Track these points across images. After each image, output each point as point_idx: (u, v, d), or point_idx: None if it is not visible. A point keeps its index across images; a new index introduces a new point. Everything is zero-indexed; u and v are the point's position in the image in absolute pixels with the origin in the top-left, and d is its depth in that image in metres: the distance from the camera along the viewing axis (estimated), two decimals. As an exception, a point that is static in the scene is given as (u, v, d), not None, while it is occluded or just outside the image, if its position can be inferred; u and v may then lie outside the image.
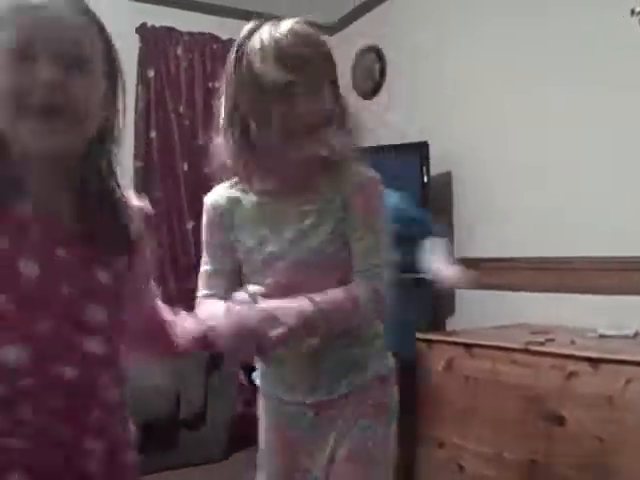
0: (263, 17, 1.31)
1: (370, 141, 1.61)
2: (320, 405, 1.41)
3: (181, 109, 4.24)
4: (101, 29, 1.01)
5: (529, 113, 3.12)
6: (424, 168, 3.50)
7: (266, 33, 1.28)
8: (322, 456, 1.41)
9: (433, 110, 3.73)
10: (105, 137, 1.04)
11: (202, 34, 4.30)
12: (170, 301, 4.32)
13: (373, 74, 4.26)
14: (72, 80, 0.94)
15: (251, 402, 3.59)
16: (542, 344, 2.38)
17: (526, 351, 2.37)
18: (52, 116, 0.93)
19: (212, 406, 3.32)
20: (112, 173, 1.06)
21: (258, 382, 1.53)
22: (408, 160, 3.54)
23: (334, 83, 1.36)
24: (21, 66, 0.92)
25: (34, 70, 0.92)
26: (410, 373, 2.52)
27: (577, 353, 2.21)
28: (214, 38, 4.32)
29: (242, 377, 3.51)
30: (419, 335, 2.79)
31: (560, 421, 2.22)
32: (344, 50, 4.50)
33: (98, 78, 1.00)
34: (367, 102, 4.21)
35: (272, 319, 1.21)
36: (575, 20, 2.88)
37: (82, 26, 0.98)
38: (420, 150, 3.51)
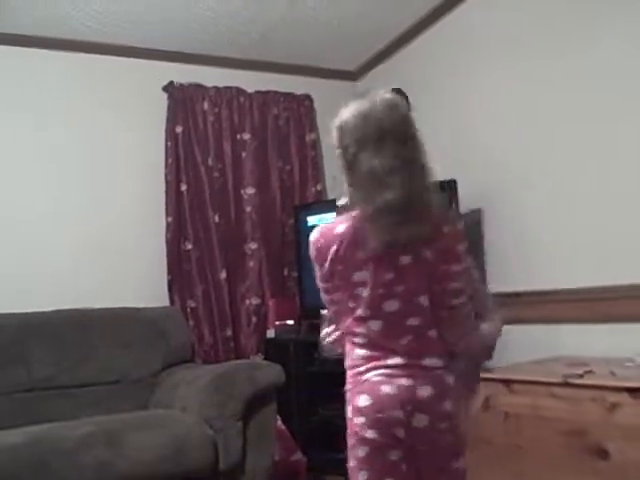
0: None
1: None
2: None
3: (210, 161, 4.31)
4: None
5: (555, 147, 3.16)
6: (453, 205, 3.50)
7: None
8: None
9: (460, 148, 3.79)
10: None
11: (228, 88, 4.40)
12: (207, 352, 4.35)
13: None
14: None
15: (290, 450, 3.57)
16: (581, 376, 2.35)
17: (566, 385, 2.34)
18: None
19: (251, 456, 3.30)
20: None
21: None
22: (437, 198, 3.53)
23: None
24: None
25: None
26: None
27: (617, 384, 2.18)
28: (240, 91, 4.43)
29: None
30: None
31: (604, 455, 2.18)
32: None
33: None
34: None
35: None
36: (595, 57, 2.93)
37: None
38: (449, 187, 3.51)
